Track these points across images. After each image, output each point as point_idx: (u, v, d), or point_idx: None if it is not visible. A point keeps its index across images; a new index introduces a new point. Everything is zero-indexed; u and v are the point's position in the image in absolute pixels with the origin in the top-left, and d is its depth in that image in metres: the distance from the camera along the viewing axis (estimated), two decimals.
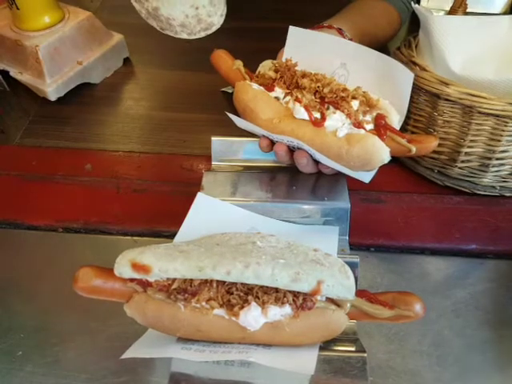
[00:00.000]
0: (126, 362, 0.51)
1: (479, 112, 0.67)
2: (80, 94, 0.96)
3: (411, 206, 0.75)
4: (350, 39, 0.78)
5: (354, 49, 0.67)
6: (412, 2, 0.77)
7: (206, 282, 0.48)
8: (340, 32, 0.79)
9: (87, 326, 0.61)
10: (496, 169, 0.73)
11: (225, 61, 0.70)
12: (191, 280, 0.48)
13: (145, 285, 0.49)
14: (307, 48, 0.68)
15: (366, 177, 0.66)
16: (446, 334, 0.61)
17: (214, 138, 0.73)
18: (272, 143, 0.66)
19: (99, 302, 0.52)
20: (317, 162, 0.65)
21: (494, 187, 0.75)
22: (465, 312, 0.63)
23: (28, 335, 0.61)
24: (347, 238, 0.66)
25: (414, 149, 0.61)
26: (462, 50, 0.70)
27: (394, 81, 0.64)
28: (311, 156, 0.64)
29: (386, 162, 0.62)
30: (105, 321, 0.60)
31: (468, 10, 0.75)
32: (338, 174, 0.67)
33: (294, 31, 0.69)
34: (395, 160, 0.81)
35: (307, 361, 0.47)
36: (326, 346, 0.52)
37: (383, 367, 0.58)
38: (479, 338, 0.61)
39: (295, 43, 0.69)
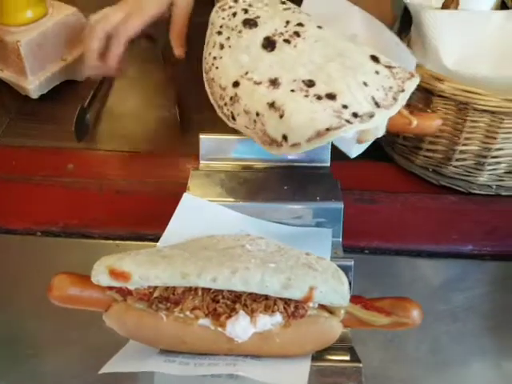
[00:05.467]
0: (106, 375, 0.48)
1: (474, 109, 0.65)
2: (63, 91, 0.92)
3: (406, 207, 0.73)
4: None
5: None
6: None
7: (191, 290, 0.45)
8: None
9: (66, 337, 0.58)
10: (492, 167, 0.71)
11: None
12: (174, 288, 0.45)
13: (125, 293, 0.46)
14: None
15: (353, 150, 0.61)
16: (443, 339, 0.59)
17: (202, 136, 0.70)
18: None
19: (78, 310, 0.49)
20: None
21: (489, 186, 0.73)
22: (462, 316, 0.61)
23: (1, 347, 0.57)
24: (340, 239, 0.63)
25: (415, 121, 0.56)
26: (455, 46, 0.67)
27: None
28: None
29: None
30: (84, 331, 0.57)
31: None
32: (330, 174, 0.64)
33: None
34: (389, 159, 0.79)
35: (299, 373, 0.45)
36: (318, 355, 0.49)
37: (378, 376, 0.56)
38: (477, 343, 0.59)
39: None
